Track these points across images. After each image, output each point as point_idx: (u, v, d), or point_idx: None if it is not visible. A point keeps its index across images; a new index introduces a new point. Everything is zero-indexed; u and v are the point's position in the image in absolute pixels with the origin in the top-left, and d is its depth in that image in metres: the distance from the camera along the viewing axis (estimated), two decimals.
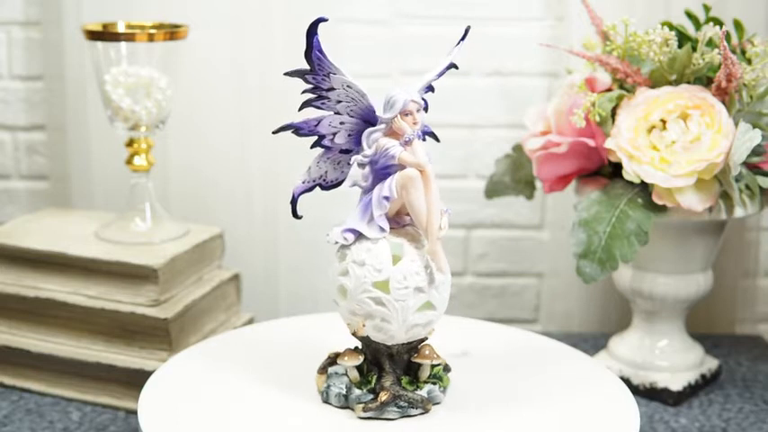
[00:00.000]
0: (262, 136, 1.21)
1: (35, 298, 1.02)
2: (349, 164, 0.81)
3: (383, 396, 0.78)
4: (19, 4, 1.25)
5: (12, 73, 1.27)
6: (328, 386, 0.80)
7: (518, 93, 1.24)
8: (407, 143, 0.77)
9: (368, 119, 0.79)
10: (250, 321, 1.12)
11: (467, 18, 1.23)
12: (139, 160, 1.07)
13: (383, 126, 0.78)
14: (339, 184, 0.82)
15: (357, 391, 0.79)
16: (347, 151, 0.81)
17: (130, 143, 1.06)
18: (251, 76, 1.20)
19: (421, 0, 1.23)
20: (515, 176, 1.11)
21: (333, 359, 0.83)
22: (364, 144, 0.78)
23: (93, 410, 1.00)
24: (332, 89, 0.78)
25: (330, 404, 0.80)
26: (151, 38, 1.02)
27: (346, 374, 0.81)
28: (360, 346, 0.82)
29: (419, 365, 0.81)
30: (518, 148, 1.11)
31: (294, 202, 0.81)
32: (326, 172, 0.81)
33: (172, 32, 1.04)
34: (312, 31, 0.75)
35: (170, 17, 1.13)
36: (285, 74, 0.77)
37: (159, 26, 1.08)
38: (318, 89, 0.78)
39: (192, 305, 1.02)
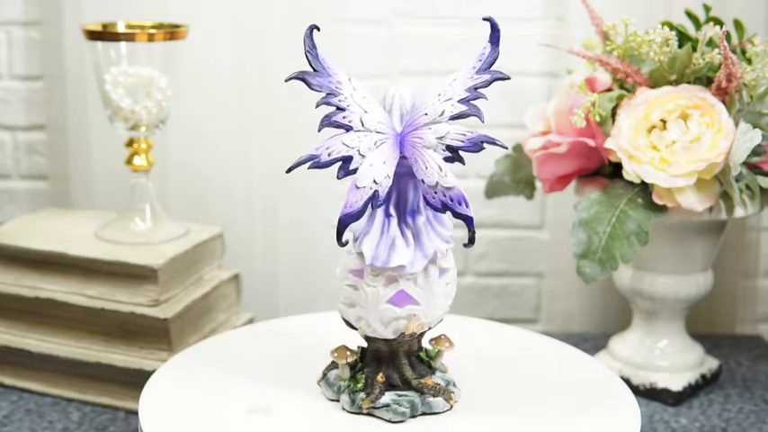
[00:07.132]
0: (262, 136, 1.21)
1: (35, 298, 1.02)
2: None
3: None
4: (19, 4, 1.25)
5: (12, 73, 1.27)
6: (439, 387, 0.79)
7: (518, 93, 1.24)
8: None
9: None
10: (250, 321, 1.11)
11: (467, 18, 1.24)
12: (139, 160, 1.07)
13: None
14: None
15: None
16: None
17: (130, 143, 1.06)
18: (251, 76, 1.20)
19: (420, 0, 1.23)
20: (515, 176, 1.11)
21: (425, 383, 0.79)
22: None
23: (93, 410, 1.00)
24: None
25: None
26: (151, 38, 1.02)
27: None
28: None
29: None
30: (518, 148, 1.11)
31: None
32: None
33: (172, 32, 1.04)
34: (497, 33, 0.75)
35: (170, 17, 1.13)
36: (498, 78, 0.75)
37: (159, 26, 1.08)
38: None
39: (192, 305, 1.02)
